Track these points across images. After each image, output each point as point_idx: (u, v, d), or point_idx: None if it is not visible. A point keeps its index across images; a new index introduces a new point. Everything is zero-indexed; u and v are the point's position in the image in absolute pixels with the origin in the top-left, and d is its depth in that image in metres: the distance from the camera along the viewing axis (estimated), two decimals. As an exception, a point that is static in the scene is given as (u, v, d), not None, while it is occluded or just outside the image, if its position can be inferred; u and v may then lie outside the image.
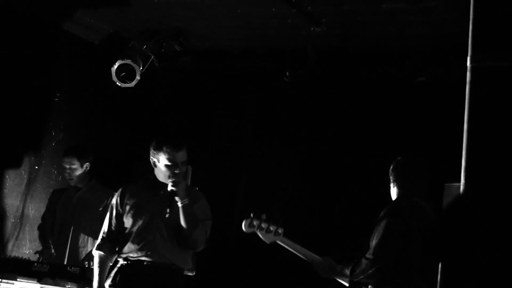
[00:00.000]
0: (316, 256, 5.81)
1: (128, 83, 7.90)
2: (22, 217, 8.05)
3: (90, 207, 7.51)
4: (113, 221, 5.90)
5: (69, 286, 6.17)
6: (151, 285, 5.67)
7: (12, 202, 7.96)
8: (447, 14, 6.76)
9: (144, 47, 8.08)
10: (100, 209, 7.46)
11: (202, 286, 8.09)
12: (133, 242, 5.74)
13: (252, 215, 5.81)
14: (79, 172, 7.47)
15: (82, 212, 7.50)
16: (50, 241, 7.45)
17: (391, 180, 5.60)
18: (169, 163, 5.67)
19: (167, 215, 5.62)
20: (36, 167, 8.22)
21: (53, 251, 7.38)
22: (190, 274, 7.20)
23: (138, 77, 7.89)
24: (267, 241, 5.95)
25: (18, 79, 7.83)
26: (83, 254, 7.41)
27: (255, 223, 5.86)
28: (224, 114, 8.92)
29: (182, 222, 5.65)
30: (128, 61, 7.85)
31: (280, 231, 5.85)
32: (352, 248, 5.62)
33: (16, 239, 7.97)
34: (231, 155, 8.80)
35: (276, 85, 8.58)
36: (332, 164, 8.30)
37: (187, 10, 7.49)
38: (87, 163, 7.49)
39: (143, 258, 5.69)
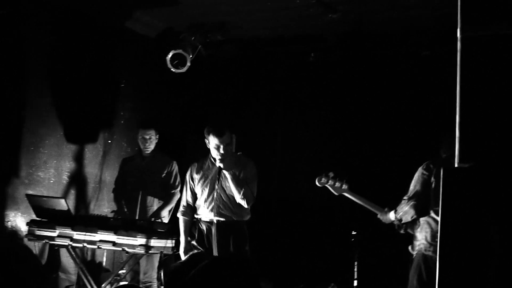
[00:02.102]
0: (377, 205, 5.96)
1: (180, 69, 7.91)
2: (100, 182, 8.15)
3: (154, 172, 7.57)
4: (189, 192, 6.55)
5: (139, 236, 6.22)
6: (222, 237, 6.23)
7: (91, 170, 8.06)
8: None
9: (193, 38, 8.07)
10: (163, 175, 7.60)
11: (250, 236, 8.19)
12: (204, 207, 6.39)
13: (323, 173, 6.15)
14: (154, 142, 7.55)
15: (148, 177, 7.55)
16: (123, 202, 7.54)
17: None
18: (215, 146, 6.23)
19: (216, 186, 6.26)
20: (109, 141, 8.33)
21: (125, 210, 7.47)
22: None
23: (188, 64, 7.89)
24: (336, 193, 6.15)
25: (91, 70, 7.94)
26: (150, 212, 7.45)
27: (324, 179, 6.08)
28: (260, 91, 8.93)
29: (232, 188, 6.24)
30: (180, 51, 7.85)
31: (345, 186, 6.04)
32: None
33: (96, 200, 8.07)
34: (268, 125, 8.83)
35: (302, 65, 8.60)
36: (351, 130, 8.32)
37: (227, 5, 7.51)
38: (158, 135, 7.58)
39: (213, 218, 6.28)
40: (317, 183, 6.20)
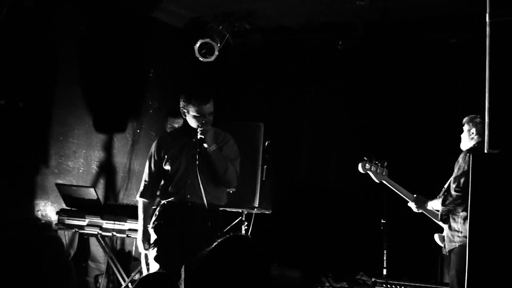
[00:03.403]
0: (411, 193, 5.97)
1: (208, 58, 7.90)
2: (129, 172, 8.18)
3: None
4: (153, 169, 5.58)
5: None
6: (192, 223, 5.32)
7: (121, 159, 8.10)
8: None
9: (220, 27, 8.05)
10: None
11: (277, 223, 8.17)
12: (173, 187, 5.43)
13: (365, 159, 6.12)
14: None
15: None
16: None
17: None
18: (197, 114, 5.32)
19: (197, 162, 5.25)
20: (138, 131, 8.35)
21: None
22: (267, 212, 7.30)
23: (216, 53, 7.88)
24: (377, 180, 6.15)
25: (120, 60, 7.97)
26: None
27: (368, 165, 6.04)
28: (288, 79, 8.91)
29: (213, 166, 5.32)
30: (208, 40, 7.84)
31: (385, 173, 6.03)
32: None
33: (126, 189, 8.11)
34: (296, 114, 8.81)
35: (330, 53, 8.55)
36: (379, 118, 8.27)
37: (255, -7, 7.52)
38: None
39: (184, 200, 5.37)
40: (360, 169, 6.16)
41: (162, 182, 5.55)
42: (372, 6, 7.47)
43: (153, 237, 5.42)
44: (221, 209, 5.63)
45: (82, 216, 6.48)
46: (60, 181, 7.08)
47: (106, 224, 6.46)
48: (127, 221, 6.44)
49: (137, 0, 7.89)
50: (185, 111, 5.41)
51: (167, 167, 5.49)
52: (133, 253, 7.66)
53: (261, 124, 7.55)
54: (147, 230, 5.47)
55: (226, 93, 9.18)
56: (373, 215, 7.29)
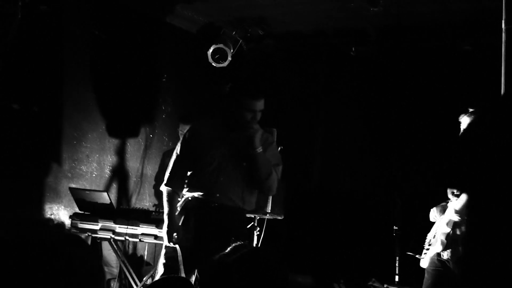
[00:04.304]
0: None
1: (221, 63, 7.93)
2: (141, 176, 8.19)
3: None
4: (182, 156, 5.00)
5: None
6: (216, 226, 4.78)
7: (133, 164, 8.11)
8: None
9: (233, 33, 8.10)
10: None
11: (290, 229, 8.17)
12: (203, 181, 4.87)
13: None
14: None
15: None
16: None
17: None
18: (247, 110, 4.77)
19: (244, 163, 4.80)
20: (151, 135, 8.36)
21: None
22: (279, 218, 7.28)
23: (229, 58, 7.91)
24: None
25: (133, 64, 8.00)
26: None
27: None
28: (301, 85, 8.91)
29: (257, 169, 4.79)
30: (221, 45, 7.87)
31: None
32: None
33: (138, 193, 8.12)
34: (308, 120, 8.82)
35: (343, 59, 8.55)
36: (392, 123, 8.25)
37: (267, 0, 7.48)
38: None
39: (212, 199, 4.84)
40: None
41: (190, 173, 4.98)
42: (386, 12, 7.47)
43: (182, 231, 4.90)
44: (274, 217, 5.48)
45: (95, 220, 6.47)
46: (73, 185, 7.10)
47: (119, 228, 6.45)
48: (140, 226, 6.40)
49: (151, 5, 7.93)
50: (234, 101, 4.83)
51: (199, 158, 4.91)
52: (145, 257, 7.68)
53: (274, 130, 7.54)
54: (174, 221, 4.90)
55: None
56: (386, 221, 7.27)
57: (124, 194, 7.96)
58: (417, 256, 5.89)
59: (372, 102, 8.44)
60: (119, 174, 7.90)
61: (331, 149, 8.64)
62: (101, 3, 7.52)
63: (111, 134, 7.77)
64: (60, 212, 7.11)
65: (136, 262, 7.51)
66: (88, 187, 7.30)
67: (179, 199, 5.04)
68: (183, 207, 4.97)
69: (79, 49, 7.37)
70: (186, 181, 4.98)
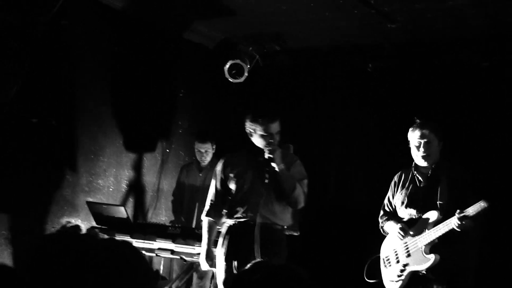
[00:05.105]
0: None
1: (238, 79, 7.94)
2: (158, 191, 8.22)
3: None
4: (218, 188, 5.57)
5: (197, 245, 6.17)
6: (261, 242, 5.18)
7: (150, 179, 8.15)
8: (501, 3, 6.60)
9: (250, 48, 8.11)
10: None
11: (306, 245, 8.14)
12: (238, 206, 5.41)
13: None
14: (211, 154, 7.50)
15: (205, 189, 7.38)
16: (181, 214, 7.57)
17: None
18: (264, 133, 5.27)
19: (266, 180, 5.22)
20: (167, 150, 8.41)
21: (183, 221, 7.46)
22: (295, 234, 7.27)
23: (246, 74, 7.93)
24: None
25: (150, 80, 8.06)
26: None
27: None
28: (318, 101, 8.89)
29: (281, 185, 5.26)
30: (237, 61, 7.88)
31: None
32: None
33: (154, 208, 8.15)
34: (324, 135, 8.80)
35: (360, 75, 8.55)
36: (406, 138, 8.23)
37: (284, 16, 7.48)
38: (214, 145, 7.53)
39: (248, 219, 5.32)
40: None
41: (228, 199, 5.54)
42: (403, 28, 7.48)
43: (217, 256, 5.46)
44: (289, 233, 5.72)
45: (112, 234, 6.48)
46: (90, 199, 7.14)
47: (136, 242, 6.45)
48: (157, 240, 6.41)
49: (168, 20, 7.99)
50: (251, 131, 5.37)
51: (232, 186, 5.48)
52: (161, 272, 7.69)
53: (290, 145, 7.56)
54: (211, 249, 5.49)
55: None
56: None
57: (140, 208, 7.98)
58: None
59: (389, 118, 8.41)
60: (136, 189, 7.94)
61: (348, 164, 8.63)
62: (120, 19, 7.58)
63: (128, 148, 7.80)
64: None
65: (152, 277, 7.51)
66: (105, 201, 7.34)
67: (217, 227, 5.61)
68: (227, 229, 5.47)
69: (97, 64, 7.42)
70: (226, 206, 5.53)
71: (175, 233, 6.44)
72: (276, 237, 5.40)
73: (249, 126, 5.38)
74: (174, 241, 6.34)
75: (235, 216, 5.42)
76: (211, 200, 5.62)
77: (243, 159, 5.55)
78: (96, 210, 6.72)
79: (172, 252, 6.36)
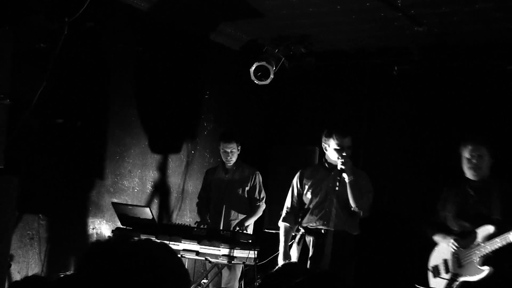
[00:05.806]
0: None
1: (263, 81, 7.93)
2: (183, 192, 8.23)
3: (237, 186, 7.51)
4: (295, 198, 6.30)
5: (222, 246, 6.23)
6: (325, 249, 5.92)
7: (175, 180, 8.15)
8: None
9: (276, 50, 8.07)
10: (247, 188, 7.50)
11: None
12: (312, 214, 6.14)
13: None
14: (236, 154, 7.44)
15: (231, 191, 7.50)
16: (207, 216, 7.52)
17: None
18: (337, 147, 6.02)
19: (337, 188, 5.89)
20: (192, 152, 8.41)
21: (209, 221, 7.43)
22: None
23: (272, 76, 7.88)
24: None
25: (176, 81, 8.08)
26: (233, 224, 7.41)
27: None
28: (343, 104, 8.86)
29: (350, 194, 5.95)
30: (263, 63, 7.86)
31: None
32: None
33: (179, 209, 8.16)
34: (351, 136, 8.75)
35: (386, 78, 8.50)
36: (435, 142, 8.17)
37: (310, 19, 7.49)
38: (240, 146, 7.49)
39: (321, 227, 6.05)
40: None
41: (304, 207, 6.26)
42: (429, 32, 7.44)
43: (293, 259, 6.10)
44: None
45: (137, 235, 6.47)
46: (115, 200, 7.17)
47: (161, 244, 6.47)
48: (182, 241, 6.41)
49: (194, 22, 8.00)
50: (326, 145, 6.16)
51: (308, 196, 6.22)
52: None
53: (316, 148, 7.54)
54: (288, 252, 6.16)
55: (281, 116, 9.21)
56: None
57: (165, 209, 8.00)
58: None
59: (415, 121, 8.36)
60: (161, 190, 7.95)
61: (373, 168, 8.55)
62: (145, 20, 7.61)
63: (153, 149, 7.83)
64: (102, 227, 7.18)
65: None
66: (129, 202, 7.37)
67: (293, 233, 6.29)
68: (301, 236, 6.21)
69: (123, 65, 7.45)
70: (301, 215, 6.25)
71: (201, 234, 6.47)
72: (347, 244, 6.07)
73: (324, 141, 6.17)
74: (199, 243, 6.35)
75: (308, 224, 6.16)
76: (287, 207, 6.35)
77: (318, 172, 6.31)
78: (121, 211, 6.75)
79: (197, 253, 6.36)
